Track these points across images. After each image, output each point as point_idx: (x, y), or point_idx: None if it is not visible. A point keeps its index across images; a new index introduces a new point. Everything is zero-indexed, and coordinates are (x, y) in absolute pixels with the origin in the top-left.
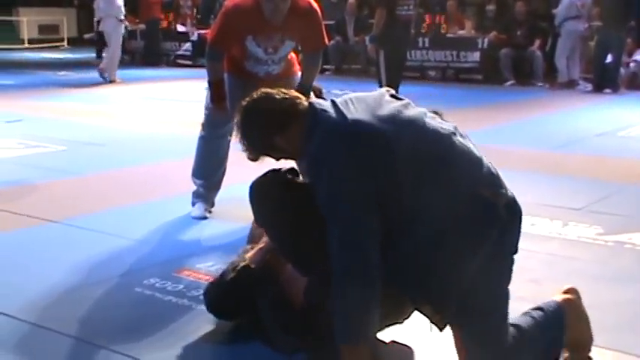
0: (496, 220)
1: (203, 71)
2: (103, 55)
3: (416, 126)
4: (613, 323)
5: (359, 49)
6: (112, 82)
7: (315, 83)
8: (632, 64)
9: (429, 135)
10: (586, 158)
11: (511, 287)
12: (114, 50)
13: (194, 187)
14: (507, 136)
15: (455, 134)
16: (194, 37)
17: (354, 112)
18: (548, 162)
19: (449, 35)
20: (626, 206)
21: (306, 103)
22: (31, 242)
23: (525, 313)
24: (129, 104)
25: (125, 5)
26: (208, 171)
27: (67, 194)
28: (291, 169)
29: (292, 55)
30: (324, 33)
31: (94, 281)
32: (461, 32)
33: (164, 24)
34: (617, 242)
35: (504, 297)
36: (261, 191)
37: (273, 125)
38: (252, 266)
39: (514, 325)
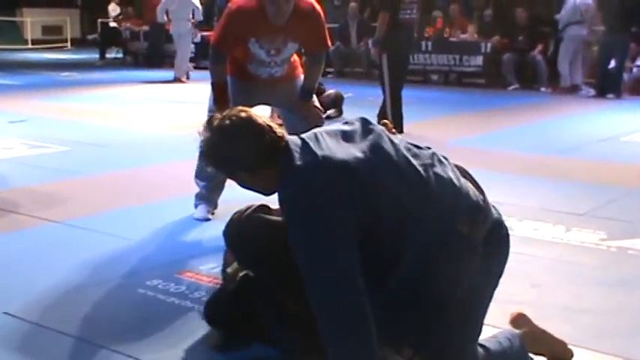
0: (474, 255)
1: (206, 73)
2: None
3: (390, 159)
4: (615, 329)
5: (361, 52)
6: (179, 81)
7: (338, 90)
8: (635, 69)
9: (404, 168)
10: (589, 163)
11: (512, 292)
12: (186, 52)
13: (197, 189)
14: (510, 140)
15: (432, 165)
16: (197, 39)
17: (324, 149)
18: (551, 167)
19: (452, 39)
20: (629, 212)
21: (284, 144)
22: (34, 243)
23: (494, 337)
24: (132, 105)
25: (129, 6)
26: (211, 173)
27: (69, 195)
28: (263, 207)
29: (295, 57)
30: (327, 35)
31: (96, 282)
32: (463, 36)
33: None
34: (620, 248)
35: (481, 321)
36: (240, 235)
37: (243, 163)
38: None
39: (482, 347)
